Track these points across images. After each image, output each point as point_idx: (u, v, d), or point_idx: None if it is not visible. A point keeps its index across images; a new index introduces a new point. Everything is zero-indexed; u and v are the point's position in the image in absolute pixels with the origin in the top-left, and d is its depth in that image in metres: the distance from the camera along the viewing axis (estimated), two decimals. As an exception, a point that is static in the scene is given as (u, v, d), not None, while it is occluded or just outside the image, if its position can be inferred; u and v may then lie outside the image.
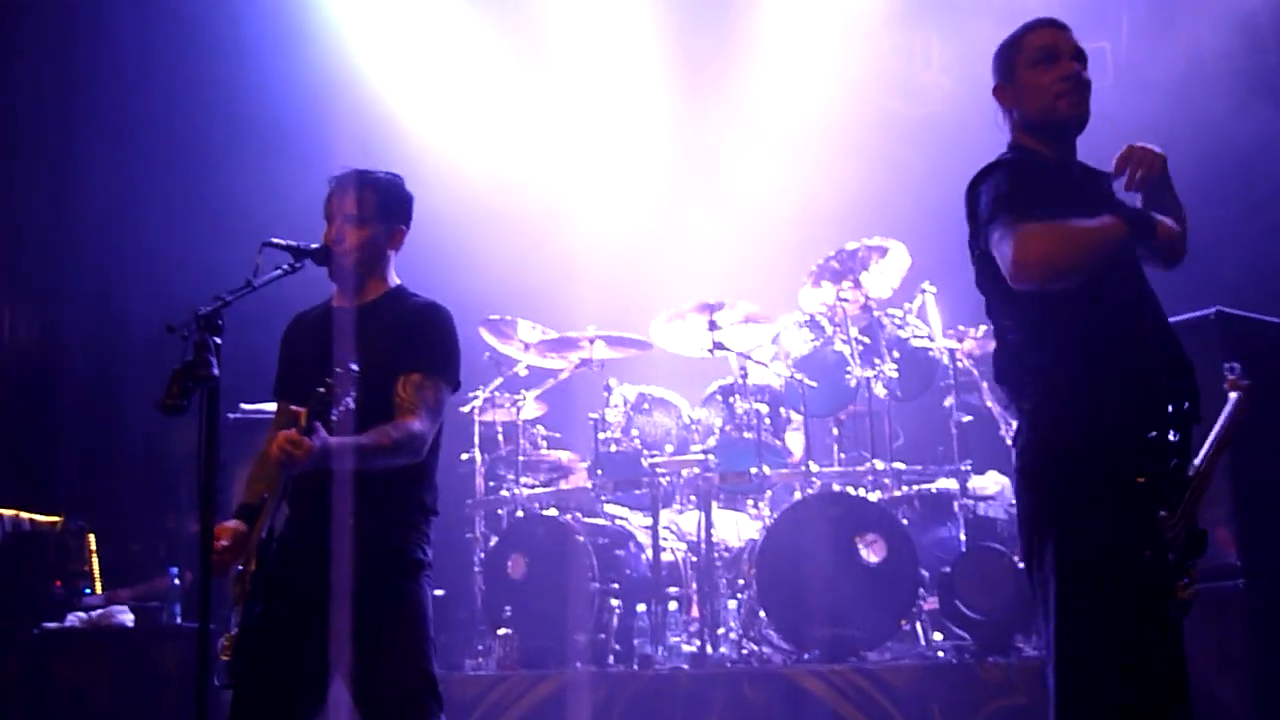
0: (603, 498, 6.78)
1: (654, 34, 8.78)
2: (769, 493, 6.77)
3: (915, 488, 6.67)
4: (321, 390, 3.25)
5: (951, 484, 6.53)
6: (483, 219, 8.36)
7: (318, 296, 3.86)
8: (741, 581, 6.32)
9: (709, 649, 6.09)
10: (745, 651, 6.14)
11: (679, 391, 7.18)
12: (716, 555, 6.44)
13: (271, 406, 3.90)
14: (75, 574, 7.10)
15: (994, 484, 6.78)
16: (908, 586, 5.94)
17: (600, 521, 6.71)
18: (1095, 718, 2.98)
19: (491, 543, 6.75)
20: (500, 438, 7.31)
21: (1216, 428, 3.19)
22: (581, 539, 6.36)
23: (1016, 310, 3.22)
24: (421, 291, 3.80)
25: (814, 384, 6.56)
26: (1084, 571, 3.00)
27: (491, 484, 7.23)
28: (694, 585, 6.51)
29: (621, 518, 6.87)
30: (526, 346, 7.16)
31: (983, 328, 6.83)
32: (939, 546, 6.47)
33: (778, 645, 6.12)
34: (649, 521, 6.48)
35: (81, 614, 6.65)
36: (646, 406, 7.07)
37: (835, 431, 7.05)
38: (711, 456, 6.57)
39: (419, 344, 3.62)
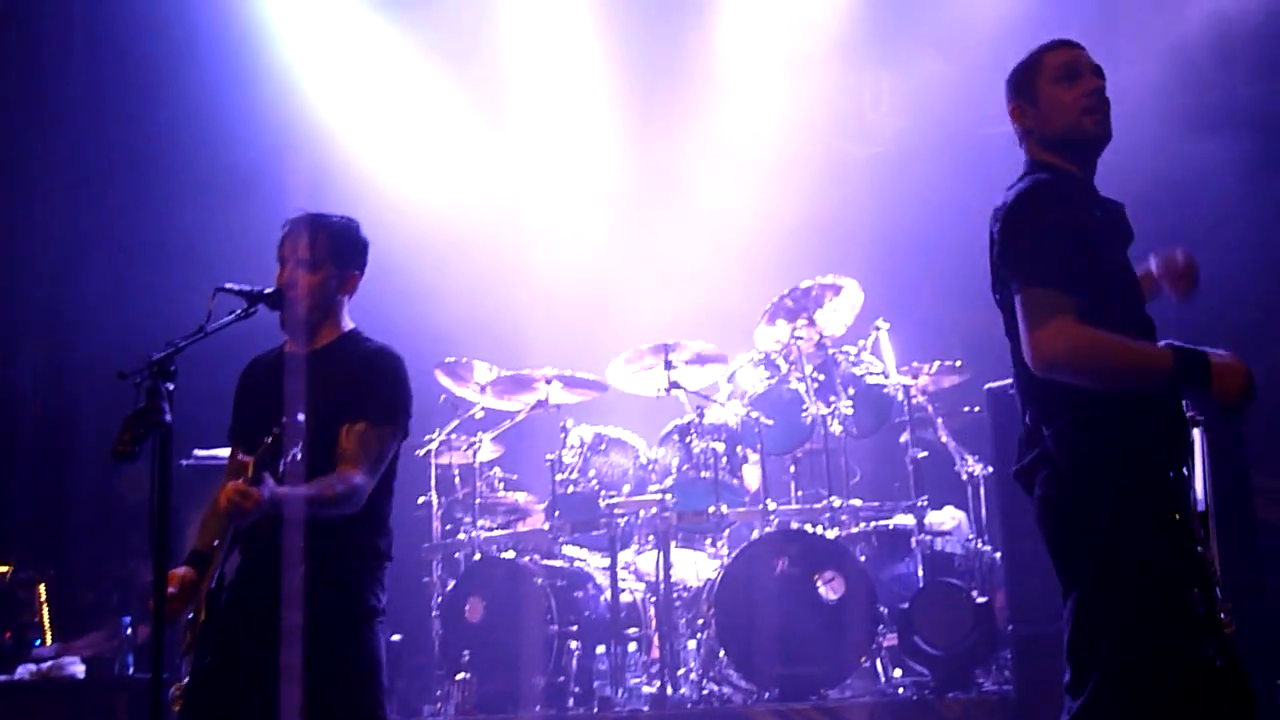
0: (560, 539, 6.75)
1: (607, 77, 8.85)
2: (727, 531, 6.77)
3: (872, 524, 6.69)
4: (269, 440, 3.26)
5: (909, 520, 6.57)
6: (438, 259, 8.35)
7: (276, 338, 3.81)
8: (701, 621, 6.30)
9: (669, 690, 6.07)
10: (705, 692, 6.12)
11: (636, 431, 7.17)
12: (675, 595, 6.43)
13: (225, 452, 3.87)
14: (25, 625, 6.99)
15: (950, 519, 6.82)
16: (867, 623, 5.95)
17: (558, 563, 6.69)
18: None
19: (449, 586, 6.69)
20: (457, 480, 7.27)
21: (1200, 466, 3.19)
22: (539, 581, 6.33)
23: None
24: (376, 333, 3.77)
25: (770, 422, 6.59)
26: (1143, 605, 2.92)
27: (448, 527, 7.19)
28: (653, 625, 6.49)
29: (580, 559, 6.85)
30: (482, 389, 7.14)
31: (936, 364, 6.90)
32: (897, 583, 6.51)
33: (738, 685, 6.10)
34: (607, 562, 6.45)
35: (32, 666, 6.55)
36: (603, 447, 7.07)
37: (792, 469, 7.07)
38: (669, 496, 6.55)
39: (365, 392, 3.58)
